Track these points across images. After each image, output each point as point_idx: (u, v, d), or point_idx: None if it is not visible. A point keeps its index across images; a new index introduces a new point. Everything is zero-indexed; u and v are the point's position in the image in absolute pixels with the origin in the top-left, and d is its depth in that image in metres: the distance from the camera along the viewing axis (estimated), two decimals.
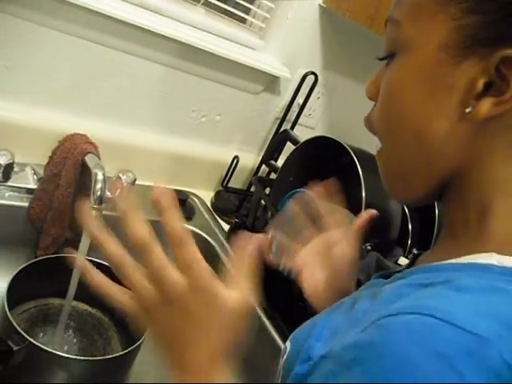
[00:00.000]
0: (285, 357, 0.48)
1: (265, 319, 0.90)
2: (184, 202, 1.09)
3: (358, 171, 0.87)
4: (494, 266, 0.37)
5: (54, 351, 0.68)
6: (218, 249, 1.04)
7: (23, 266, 0.78)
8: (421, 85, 0.40)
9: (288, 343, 0.50)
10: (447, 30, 0.38)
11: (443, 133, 0.39)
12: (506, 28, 0.36)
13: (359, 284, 0.80)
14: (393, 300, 0.38)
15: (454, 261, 0.40)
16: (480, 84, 0.37)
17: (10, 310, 0.70)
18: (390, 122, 0.44)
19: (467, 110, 0.38)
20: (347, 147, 0.91)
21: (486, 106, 0.37)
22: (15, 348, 0.66)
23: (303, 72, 1.17)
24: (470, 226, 0.42)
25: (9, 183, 0.88)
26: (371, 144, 0.98)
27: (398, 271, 0.53)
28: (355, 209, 0.93)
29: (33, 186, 0.90)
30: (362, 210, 0.84)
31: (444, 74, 0.39)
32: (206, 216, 1.13)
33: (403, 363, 0.31)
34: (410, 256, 0.89)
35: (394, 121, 0.43)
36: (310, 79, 1.17)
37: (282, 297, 0.94)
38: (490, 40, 0.36)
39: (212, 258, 1.04)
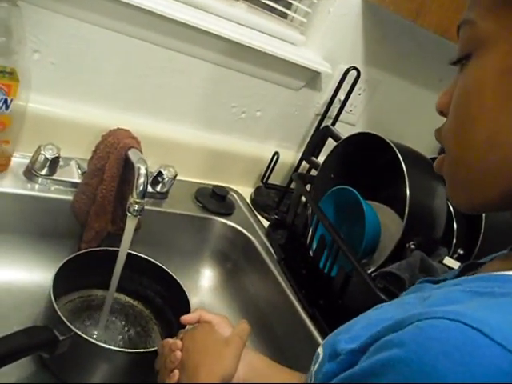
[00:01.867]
0: (317, 365, 0.47)
1: (305, 317, 0.89)
2: (224, 197, 1.09)
3: (402, 168, 0.85)
4: None
5: (98, 343, 0.70)
6: (257, 245, 1.04)
7: (68, 258, 0.80)
8: (502, 84, 0.38)
9: (320, 349, 0.48)
10: None
11: None
12: None
13: (403, 283, 0.78)
14: (442, 303, 0.36)
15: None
16: None
17: (55, 300, 0.72)
18: (463, 126, 0.41)
19: None
20: (391, 143, 0.89)
21: None
22: (61, 338, 0.67)
23: (345, 67, 1.15)
24: None
25: (54, 177, 0.90)
26: (412, 142, 0.96)
27: (445, 279, 0.51)
28: (399, 207, 0.91)
29: (77, 180, 0.92)
30: (407, 208, 0.82)
31: None
32: (246, 212, 1.13)
33: (430, 373, 0.29)
34: (455, 256, 0.87)
35: (468, 125, 0.40)
36: (352, 75, 1.15)
37: (322, 294, 0.93)
38: None
39: (251, 253, 1.04)
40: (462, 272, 0.50)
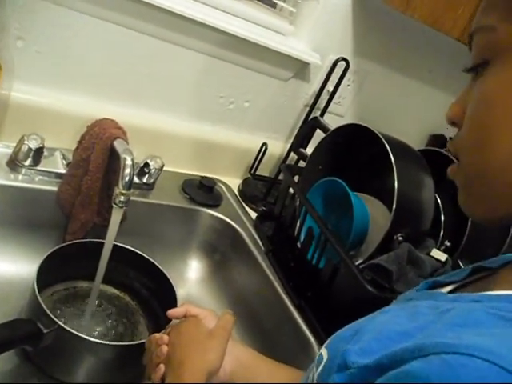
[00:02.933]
0: (321, 367, 0.45)
1: (292, 308, 0.89)
2: (211, 189, 1.08)
3: (390, 160, 0.85)
4: None
5: (82, 335, 0.69)
6: (244, 236, 1.03)
7: (53, 249, 0.78)
8: None
9: (324, 351, 0.46)
10: None
11: None
12: None
13: (390, 275, 0.78)
14: (465, 324, 0.34)
15: None
16: None
17: (39, 293, 0.71)
18: (483, 139, 0.39)
19: None
20: (379, 135, 0.89)
21: None
22: (45, 331, 0.66)
23: (334, 58, 1.14)
24: None
25: (38, 167, 0.88)
26: (401, 134, 0.96)
27: (452, 282, 0.50)
28: (387, 199, 0.91)
29: (62, 170, 0.90)
30: (395, 200, 0.82)
31: None
32: (234, 203, 1.12)
33: None
34: (442, 248, 0.87)
35: (489, 138, 0.38)
36: (341, 66, 1.14)
37: (310, 286, 0.92)
38: None
39: (239, 245, 1.04)
40: (470, 274, 0.49)
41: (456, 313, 0.36)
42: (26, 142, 0.86)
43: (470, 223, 0.92)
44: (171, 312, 0.71)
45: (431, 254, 0.84)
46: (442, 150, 1.00)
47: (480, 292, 0.41)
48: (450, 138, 0.45)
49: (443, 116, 0.46)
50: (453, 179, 0.45)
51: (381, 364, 0.35)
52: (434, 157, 0.97)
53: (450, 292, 0.48)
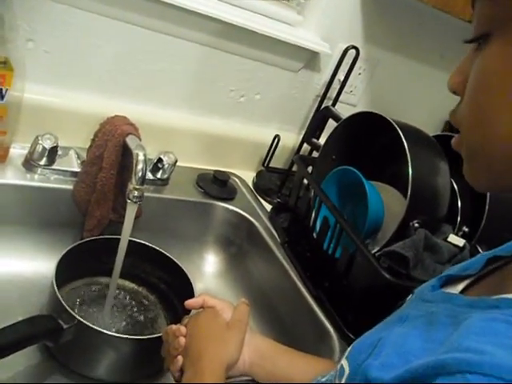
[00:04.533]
0: (343, 380, 0.45)
1: (310, 299, 0.89)
2: (225, 182, 1.09)
3: (404, 147, 0.84)
4: None
5: (102, 330, 0.70)
6: (260, 229, 1.03)
7: (70, 247, 0.79)
8: None
9: (345, 362, 0.46)
10: None
11: None
12: None
13: (407, 262, 0.78)
14: (483, 333, 0.33)
15: None
16: None
17: (58, 290, 0.72)
18: (483, 115, 0.38)
19: None
20: (392, 122, 0.88)
21: None
22: (65, 326, 0.67)
23: (344, 47, 1.13)
24: None
25: (53, 167, 0.89)
26: (415, 120, 0.95)
27: (467, 276, 0.48)
28: (402, 186, 0.90)
29: (76, 169, 0.91)
30: (410, 187, 0.81)
31: None
32: (248, 196, 1.12)
33: None
34: (460, 233, 0.86)
35: (489, 114, 0.37)
36: (351, 54, 1.13)
37: (326, 276, 0.92)
38: None
39: (254, 238, 1.04)
40: (485, 265, 0.48)
41: (475, 323, 0.35)
42: (40, 142, 0.87)
43: (487, 208, 0.90)
44: (189, 302, 0.71)
45: (448, 239, 0.83)
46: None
47: (497, 293, 0.39)
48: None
49: (458, 101, 0.45)
50: (457, 150, 0.44)
51: (403, 379, 0.35)
52: (450, 142, 0.95)
53: (466, 288, 0.47)
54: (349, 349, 0.48)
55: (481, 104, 0.38)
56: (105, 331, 0.70)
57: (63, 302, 0.70)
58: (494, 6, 0.37)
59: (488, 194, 0.92)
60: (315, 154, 1.13)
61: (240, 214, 1.06)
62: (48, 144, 0.87)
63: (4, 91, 0.79)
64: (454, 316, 0.38)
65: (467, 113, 0.40)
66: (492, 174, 0.40)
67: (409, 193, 0.82)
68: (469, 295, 0.45)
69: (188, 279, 0.84)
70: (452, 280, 0.50)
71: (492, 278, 0.47)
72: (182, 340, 0.64)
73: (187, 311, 0.73)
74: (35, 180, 0.88)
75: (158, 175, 1.00)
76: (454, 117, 0.44)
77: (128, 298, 0.90)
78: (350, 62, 1.14)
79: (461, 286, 0.48)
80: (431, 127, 1.43)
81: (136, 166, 0.75)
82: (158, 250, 0.88)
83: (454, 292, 0.46)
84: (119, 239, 0.78)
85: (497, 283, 0.44)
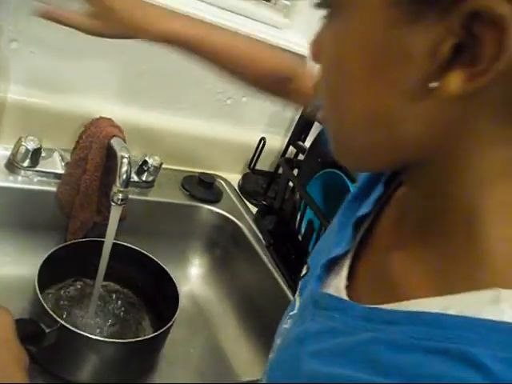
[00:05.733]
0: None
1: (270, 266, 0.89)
2: (211, 185, 1.08)
3: None
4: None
5: (85, 334, 0.69)
6: (245, 231, 1.03)
7: (53, 249, 0.79)
8: (368, 54, 0.30)
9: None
10: None
11: (402, 113, 0.30)
12: None
13: None
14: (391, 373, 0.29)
15: (449, 301, 0.29)
16: (444, 50, 0.27)
17: (41, 293, 0.71)
18: (336, 98, 0.34)
19: (431, 86, 0.28)
20: None
21: (455, 80, 0.27)
22: (47, 330, 0.66)
23: None
24: (454, 233, 0.32)
25: (37, 168, 0.88)
26: None
27: (348, 251, 0.43)
28: None
29: (60, 170, 0.90)
30: None
31: (397, 37, 0.28)
32: (234, 199, 1.12)
33: None
34: None
35: (340, 98, 0.34)
36: None
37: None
38: None
39: (240, 240, 1.04)
40: (353, 232, 0.44)
41: (376, 351, 0.31)
42: (23, 143, 0.86)
43: None
44: None
45: None
46: None
47: (386, 286, 0.36)
48: None
49: None
50: (324, 125, 0.42)
51: None
52: None
53: (350, 272, 0.41)
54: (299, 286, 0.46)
55: (333, 86, 0.34)
56: (87, 334, 0.69)
57: (45, 305, 0.69)
58: None
59: None
60: (301, 157, 1.13)
61: (225, 217, 1.06)
62: (31, 145, 0.87)
63: None
64: (350, 333, 0.34)
65: (325, 94, 0.35)
66: (353, 156, 0.37)
67: None
68: (357, 288, 0.40)
69: (173, 281, 0.84)
70: (334, 262, 0.44)
71: (370, 251, 0.42)
72: None
73: (172, 314, 0.73)
74: (18, 182, 0.87)
75: (143, 177, 0.99)
76: (315, 90, 0.41)
77: (112, 300, 0.89)
78: None
79: (345, 271, 0.41)
80: None
81: (120, 168, 0.75)
82: (142, 253, 0.88)
83: (343, 293, 0.39)
84: (103, 241, 0.78)
85: (380, 261, 0.39)
